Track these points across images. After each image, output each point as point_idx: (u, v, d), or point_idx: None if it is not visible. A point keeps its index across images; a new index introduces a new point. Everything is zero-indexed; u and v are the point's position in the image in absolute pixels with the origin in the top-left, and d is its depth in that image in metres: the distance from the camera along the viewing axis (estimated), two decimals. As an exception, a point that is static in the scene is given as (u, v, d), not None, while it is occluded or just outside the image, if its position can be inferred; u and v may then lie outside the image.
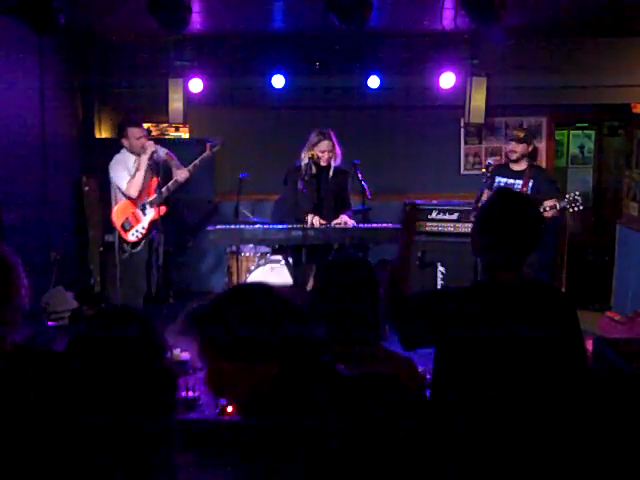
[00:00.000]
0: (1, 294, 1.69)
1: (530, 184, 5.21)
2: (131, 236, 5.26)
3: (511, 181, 5.29)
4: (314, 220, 5.14)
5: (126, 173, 5.19)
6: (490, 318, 2.06)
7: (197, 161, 5.40)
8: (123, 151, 5.27)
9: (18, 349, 1.76)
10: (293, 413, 1.41)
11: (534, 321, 2.09)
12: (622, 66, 6.45)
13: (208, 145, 5.43)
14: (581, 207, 4.97)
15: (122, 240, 5.25)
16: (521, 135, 5.36)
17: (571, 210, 4.99)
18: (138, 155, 5.21)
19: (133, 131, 5.17)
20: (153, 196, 5.25)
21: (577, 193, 4.98)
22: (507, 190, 2.36)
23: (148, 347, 1.44)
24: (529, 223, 2.14)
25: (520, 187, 5.20)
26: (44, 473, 1.38)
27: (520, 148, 5.31)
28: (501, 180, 5.32)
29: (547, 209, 5.03)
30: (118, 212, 5.27)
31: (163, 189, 5.28)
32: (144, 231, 5.27)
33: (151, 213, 5.25)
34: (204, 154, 5.43)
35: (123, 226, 5.25)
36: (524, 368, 2.04)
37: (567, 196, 4.97)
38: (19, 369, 1.70)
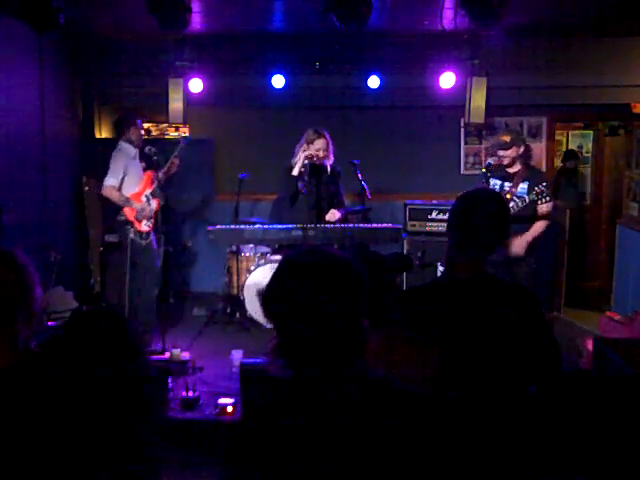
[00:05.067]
0: (14, 297, 1.68)
1: (525, 186, 5.03)
2: (144, 226, 5.44)
3: (504, 183, 5.17)
4: (331, 215, 5.35)
5: (118, 178, 5.37)
6: (440, 314, 2.07)
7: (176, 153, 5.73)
8: (123, 145, 5.46)
9: (30, 354, 1.75)
10: (302, 416, 1.41)
11: (488, 317, 2.07)
12: (622, 66, 6.45)
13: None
14: (548, 198, 4.87)
15: (136, 232, 5.39)
16: (507, 140, 5.12)
17: (539, 202, 4.88)
18: (136, 147, 5.48)
19: (139, 124, 5.54)
20: (153, 187, 5.54)
21: (544, 184, 4.85)
22: (476, 189, 2.32)
23: (121, 347, 1.44)
24: (485, 220, 2.13)
25: (508, 189, 5.10)
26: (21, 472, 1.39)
27: (509, 152, 5.09)
28: (496, 182, 5.22)
29: (540, 214, 5.02)
30: (130, 209, 5.43)
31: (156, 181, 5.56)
32: (153, 221, 5.52)
33: (154, 204, 5.53)
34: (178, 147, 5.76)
35: (136, 217, 5.41)
36: (476, 362, 2.03)
37: (535, 188, 4.86)
38: (29, 374, 1.69)
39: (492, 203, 2.19)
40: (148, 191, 5.52)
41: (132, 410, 1.44)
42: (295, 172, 5.23)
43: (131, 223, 5.38)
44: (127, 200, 5.40)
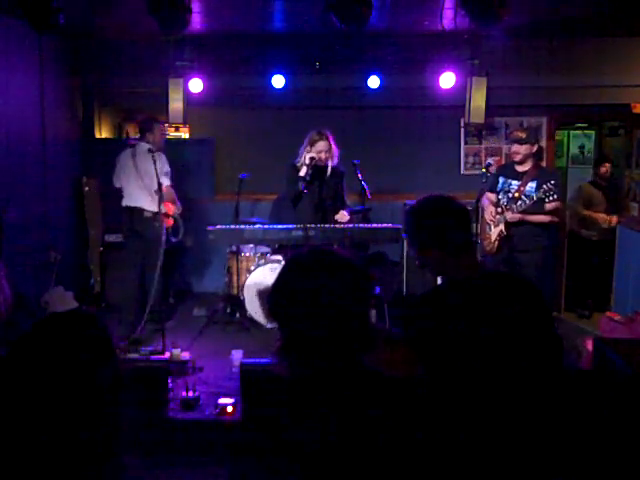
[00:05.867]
0: None
1: (533, 185, 5.03)
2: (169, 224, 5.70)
3: (512, 182, 5.18)
4: (341, 216, 5.35)
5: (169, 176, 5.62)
6: (460, 316, 2.02)
7: None
8: (146, 146, 5.49)
9: None
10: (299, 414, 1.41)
11: (511, 313, 2.04)
12: (622, 66, 6.46)
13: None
14: (555, 196, 4.85)
15: (165, 229, 5.52)
16: (523, 136, 5.12)
17: (547, 200, 4.88)
18: (157, 149, 5.57)
19: (160, 127, 5.75)
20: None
21: (552, 182, 4.84)
22: (431, 195, 2.32)
23: (92, 351, 1.43)
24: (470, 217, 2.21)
25: (517, 188, 5.10)
26: None
27: (523, 149, 5.08)
28: (505, 181, 5.23)
29: (547, 212, 5.01)
30: (174, 206, 5.70)
31: None
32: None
33: (178, 203, 5.84)
34: None
35: (174, 215, 5.68)
36: (499, 362, 2.00)
37: (543, 186, 4.86)
38: None
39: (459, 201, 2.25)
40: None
41: (96, 412, 1.43)
42: (302, 173, 5.23)
43: (167, 217, 5.54)
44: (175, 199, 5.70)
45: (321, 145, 5.24)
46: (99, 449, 1.40)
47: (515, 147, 5.16)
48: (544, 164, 7.12)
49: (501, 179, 5.26)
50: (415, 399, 1.46)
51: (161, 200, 5.28)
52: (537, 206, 4.95)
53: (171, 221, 5.66)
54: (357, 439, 1.37)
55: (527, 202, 4.95)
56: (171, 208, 5.66)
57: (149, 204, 5.52)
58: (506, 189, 5.19)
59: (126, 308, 5.59)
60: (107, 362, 1.43)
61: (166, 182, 5.56)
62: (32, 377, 1.37)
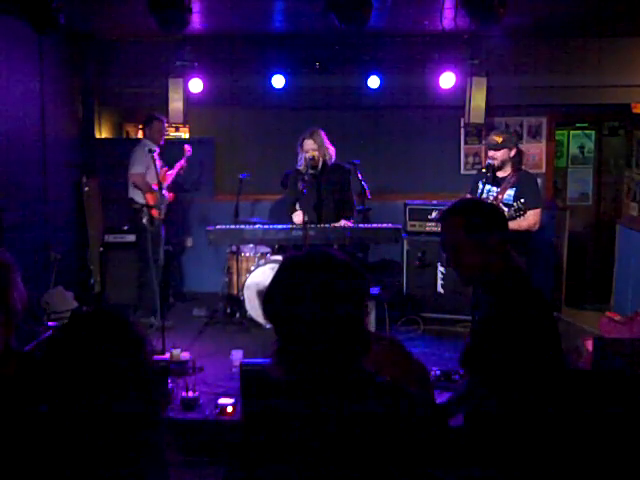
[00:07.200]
0: None
1: (512, 192, 4.77)
2: (159, 215, 5.89)
3: (491, 188, 4.93)
4: (297, 217, 5.28)
5: (143, 167, 5.83)
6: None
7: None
8: (143, 141, 5.92)
9: (12, 354, 1.76)
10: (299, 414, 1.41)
11: None
12: (622, 66, 6.45)
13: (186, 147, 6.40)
14: (522, 214, 4.51)
15: (148, 219, 5.77)
16: (499, 141, 4.83)
17: (515, 218, 4.50)
18: (156, 143, 5.91)
19: (158, 123, 6.02)
20: (168, 183, 6.07)
21: (522, 201, 4.50)
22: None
23: (125, 347, 1.44)
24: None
25: (495, 195, 4.85)
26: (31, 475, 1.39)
27: (500, 154, 4.81)
28: (485, 187, 4.94)
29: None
30: (151, 195, 5.87)
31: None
32: (165, 210, 5.95)
33: (167, 196, 6.02)
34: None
35: (156, 204, 5.85)
36: None
37: (514, 204, 4.56)
38: (11, 374, 1.69)
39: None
40: (164, 185, 5.89)
41: (136, 411, 1.44)
42: (302, 170, 5.26)
43: (149, 208, 5.74)
44: (150, 187, 5.80)
45: (308, 144, 5.23)
46: (140, 442, 1.41)
47: (491, 152, 4.88)
48: (543, 165, 7.14)
49: (480, 184, 4.98)
50: (414, 402, 1.46)
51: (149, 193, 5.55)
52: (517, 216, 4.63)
53: (155, 212, 5.82)
54: (355, 441, 1.37)
55: (506, 211, 4.50)
56: (149, 198, 5.81)
57: (139, 196, 5.84)
58: (484, 197, 4.90)
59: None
60: (142, 358, 1.45)
61: (133, 170, 5.80)
62: (69, 376, 1.38)
